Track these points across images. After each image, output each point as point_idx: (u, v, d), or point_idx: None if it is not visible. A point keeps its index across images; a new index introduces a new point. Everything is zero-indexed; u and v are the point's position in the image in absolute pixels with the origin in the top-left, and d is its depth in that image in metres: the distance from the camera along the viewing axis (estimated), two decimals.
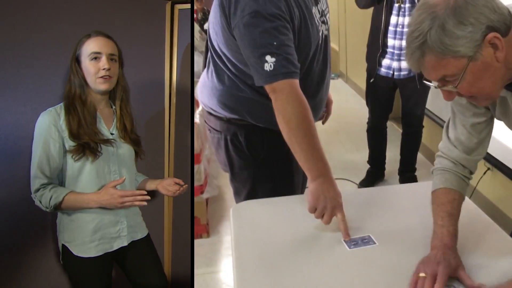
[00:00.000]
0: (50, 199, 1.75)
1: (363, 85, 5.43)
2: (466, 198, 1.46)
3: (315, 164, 1.48)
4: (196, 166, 2.79)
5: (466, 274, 1.21)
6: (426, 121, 3.28)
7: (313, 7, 1.58)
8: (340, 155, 4.12)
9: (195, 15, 8.01)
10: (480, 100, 1.16)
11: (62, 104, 1.83)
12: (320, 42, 1.62)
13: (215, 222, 3.18)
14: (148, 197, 1.82)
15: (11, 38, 2.12)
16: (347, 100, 5.71)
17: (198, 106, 3.19)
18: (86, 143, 1.77)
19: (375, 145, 3.44)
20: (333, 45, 6.73)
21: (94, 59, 1.78)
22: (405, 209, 1.64)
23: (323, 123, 2.03)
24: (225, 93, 1.74)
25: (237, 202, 1.98)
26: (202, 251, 2.96)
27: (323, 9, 1.65)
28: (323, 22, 1.64)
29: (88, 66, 1.79)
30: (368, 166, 3.54)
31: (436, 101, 3.33)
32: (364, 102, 5.27)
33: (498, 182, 2.76)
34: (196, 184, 2.82)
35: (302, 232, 1.54)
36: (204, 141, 2.98)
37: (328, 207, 1.48)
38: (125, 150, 1.94)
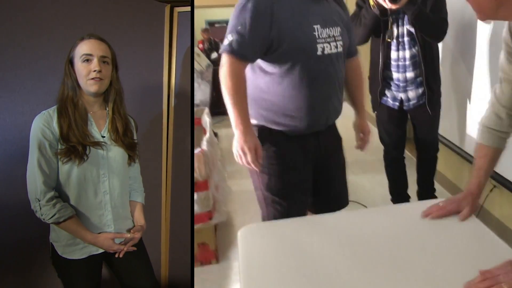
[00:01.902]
0: (53, 216, 1.77)
1: (368, 108, 5.45)
2: (473, 217, 1.62)
3: (238, 115, 1.86)
4: (204, 193, 2.81)
5: (466, 213, 1.59)
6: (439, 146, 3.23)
7: (317, 26, 1.89)
8: (348, 177, 4.12)
9: (201, 45, 8.14)
10: (473, 7, 1.34)
11: (55, 106, 1.84)
12: (318, 53, 1.89)
13: (224, 248, 3.19)
14: (134, 248, 1.99)
15: (11, 40, 2.16)
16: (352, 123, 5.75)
17: (205, 133, 3.22)
18: (73, 147, 1.78)
19: (395, 179, 3.32)
20: None
21: (86, 61, 1.80)
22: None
23: (362, 149, 2.34)
24: None
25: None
26: (211, 277, 2.95)
27: (334, 34, 1.95)
28: (328, 42, 1.92)
29: (79, 68, 1.81)
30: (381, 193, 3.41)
31: (447, 126, 3.30)
32: (369, 124, 5.27)
33: (505, 200, 2.76)
34: (204, 210, 2.84)
35: (310, 255, 1.53)
36: (212, 168, 3.02)
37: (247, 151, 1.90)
38: (116, 153, 1.94)
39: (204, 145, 2.86)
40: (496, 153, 1.65)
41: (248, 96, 1.91)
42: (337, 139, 2.25)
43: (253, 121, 2.01)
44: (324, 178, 2.19)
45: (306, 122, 1.98)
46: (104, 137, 1.91)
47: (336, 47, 1.95)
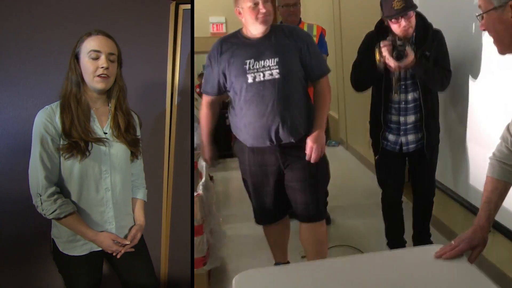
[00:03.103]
0: (54, 211, 1.77)
1: (364, 152, 5.50)
2: (467, 262, 1.61)
3: (203, 133, 2.59)
4: (199, 238, 2.80)
5: (477, 254, 1.60)
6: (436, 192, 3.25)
7: (250, 60, 2.35)
8: (343, 221, 4.11)
9: (197, 89, 8.22)
10: (493, 40, 1.48)
11: (59, 101, 1.85)
12: (249, 82, 2.36)
13: None
14: (132, 250, 2.00)
15: (16, 34, 2.17)
16: (348, 167, 5.74)
17: (201, 178, 3.22)
18: (75, 142, 1.78)
19: (393, 222, 3.24)
20: (333, 113, 6.84)
21: (93, 58, 1.80)
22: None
23: (309, 159, 2.42)
24: None
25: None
26: None
27: (270, 64, 2.35)
28: (261, 71, 2.35)
29: (86, 64, 1.80)
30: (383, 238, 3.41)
31: (442, 171, 3.31)
32: (365, 168, 5.31)
33: (500, 244, 2.75)
34: (198, 255, 2.82)
35: None
36: (207, 213, 3.00)
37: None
38: (118, 149, 1.94)
39: (200, 189, 2.86)
40: (506, 187, 1.69)
41: (230, 115, 2.54)
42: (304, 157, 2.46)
43: (236, 136, 2.57)
44: (288, 189, 2.55)
45: (249, 135, 2.44)
46: (106, 133, 1.92)
47: (271, 74, 2.36)
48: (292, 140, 2.44)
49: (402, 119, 2.82)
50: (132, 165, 2.08)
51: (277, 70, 2.36)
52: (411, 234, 3.26)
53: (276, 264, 2.86)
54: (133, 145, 2.01)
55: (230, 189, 5.13)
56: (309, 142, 2.41)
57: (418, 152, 2.88)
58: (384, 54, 2.60)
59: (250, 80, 2.37)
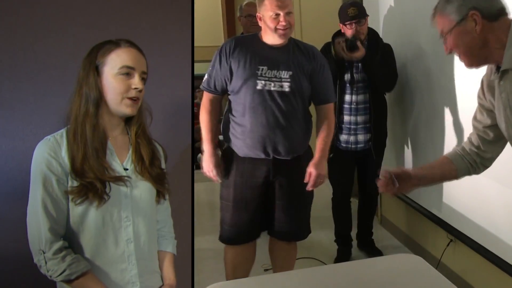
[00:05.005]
0: (62, 272, 1.43)
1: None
2: (434, 270, 1.72)
3: (204, 138, 2.51)
4: None
5: (401, 188, 1.70)
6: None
7: (263, 66, 2.35)
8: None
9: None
10: (460, 56, 1.53)
11: (64, 130, 1.51)
12: (258, 88, 2.35)
13: None
14: None
15: (9, 43, 1.80)
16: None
17: None
18: (90, 183, 1.44)
19: (341, 219, 3.54)
20: None
21: (125, 75, 1.49)
22: None
23: (308, 187, 2.46)
24: None
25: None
26: None
27: (282, 76, 2.36)
28: (273, 80, 2.36)
29: (114, 82, 1.48)
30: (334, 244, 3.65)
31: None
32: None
33: (461, 253, 2.80)
34: None
35: None
36: None
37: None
38: (142, 189, 1.59)
39: None
40: (450, 168, 1.75)
41: (227, 120, 2.50)
42: (300, 176, 2.46)
43: (227, 142, 2.53)
44: (271, 205, 2.54)
45: (245, 144, 2.42)
46: (127, 169, 1.58)
47: (281, 86, 2.37)
48: (289, 158, 2.45)
49: (352, 118, 3.15)
50: (158, 208, 1.73)
51: (288, 84, 2.38)
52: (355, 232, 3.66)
53: None
54: (159, 182, 1.66)
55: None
56: (310, 168, 2.43)
57: (366, 152, 3.24)
58: (339, 46, 2.95)
59: (259, 87, 2.36)
